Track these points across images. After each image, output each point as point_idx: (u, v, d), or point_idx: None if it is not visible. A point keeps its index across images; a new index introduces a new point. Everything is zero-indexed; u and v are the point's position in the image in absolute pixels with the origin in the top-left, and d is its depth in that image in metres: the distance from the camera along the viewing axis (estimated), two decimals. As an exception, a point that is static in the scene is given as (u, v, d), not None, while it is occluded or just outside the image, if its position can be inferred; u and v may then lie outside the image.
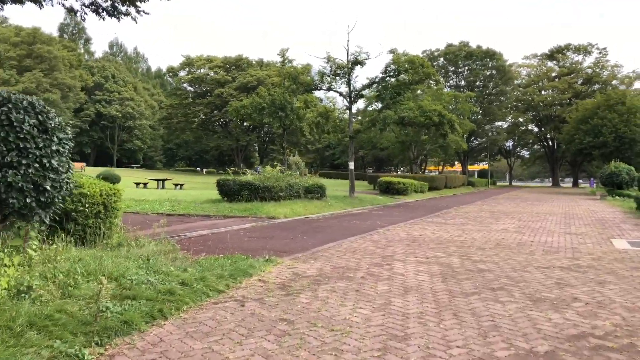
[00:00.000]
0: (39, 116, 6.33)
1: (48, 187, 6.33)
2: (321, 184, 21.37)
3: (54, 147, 6.47)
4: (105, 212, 8.79)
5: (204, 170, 78.02)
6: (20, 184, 5.92)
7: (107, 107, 66.93)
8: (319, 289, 6.44)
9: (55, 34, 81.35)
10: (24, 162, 5.98)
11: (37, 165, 6.14)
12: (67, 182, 6.91)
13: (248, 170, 20.47)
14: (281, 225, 14.22)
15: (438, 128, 26.35)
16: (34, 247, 7.37)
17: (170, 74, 59.39)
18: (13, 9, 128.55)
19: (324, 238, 11.74)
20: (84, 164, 46.89)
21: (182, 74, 58.75)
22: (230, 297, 6.04)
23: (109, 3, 10.22)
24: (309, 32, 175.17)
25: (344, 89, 26.59)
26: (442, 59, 65.89)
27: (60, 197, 6.85)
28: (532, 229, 14.33)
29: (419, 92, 33.06)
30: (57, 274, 5.82)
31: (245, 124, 63.11)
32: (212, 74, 57.54)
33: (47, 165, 6.31)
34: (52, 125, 6.49)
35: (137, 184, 29.34)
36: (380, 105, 28.90)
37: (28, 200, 6.10)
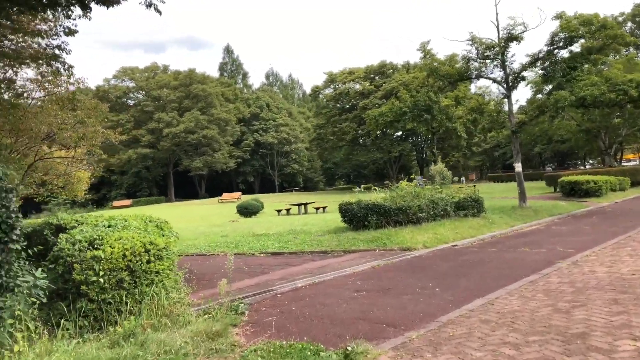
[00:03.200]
0: None
1: None
2: (477, 197, 16.75)
3: None
4: (132, 279, 6.11)
5: (361, 187, 76.33)
6: None
7: (264, 135, 69.36)
8: None
9: (215, 73, 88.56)
10: None
11: None
12: None
13: (377, 189, 16.86)
14: (413, 264, 10.33)
15: (638, 105, 19.57)
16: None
17: (316, 94, 58.99)
18: (172, 56, 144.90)
19: (468, 289, 7.62)
20: (239, 193, 48.19)
21: (327, 91, 57.83)
22: None
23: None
24: (451, 21, 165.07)
25: (497, 73, 21.54)
26: (630, 24, 53.96)
27: None
28: None
29: (602, 64, 25.92)
30: None
31: (398, 133, 59.60)
32: (356, 86, 55.43)
33: None
34: None
35: (279, 211, 27.77)
36: (549, 88, 22.98)
37: None
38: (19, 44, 11.70)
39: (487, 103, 23.03)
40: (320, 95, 59.76)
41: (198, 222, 24.54)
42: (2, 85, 11.57)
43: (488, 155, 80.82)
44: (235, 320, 6.51)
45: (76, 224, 8.71)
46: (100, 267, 5.89)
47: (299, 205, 27.38)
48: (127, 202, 54.59)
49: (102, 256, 5.95)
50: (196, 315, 6.51)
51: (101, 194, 66.20)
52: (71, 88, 16.78)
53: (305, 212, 27.30)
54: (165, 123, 56.17)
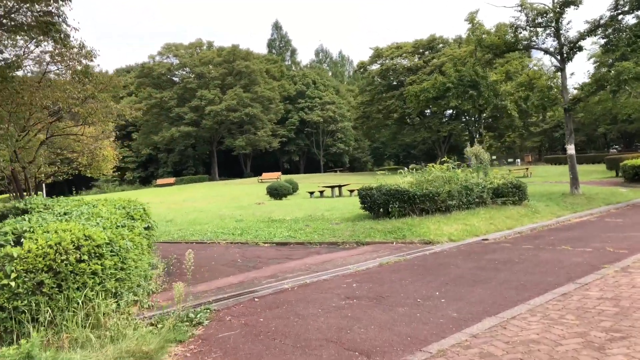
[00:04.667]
0: None
1: None
2: (519, 183, 14.86)
3: None
4: (56, 282, 5.10)
5: (410, 167, 73.85)
6: None
7: (309, 114, 68.03)
8: None
9: (263, 50, 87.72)
10: None
11: None
12: None
13: (405, 169, 15.27)
14: (428, 262, 8.87)
15: None
16: None
17: (361, 70, 56.80)
18: (219, 33, 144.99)
19: (480, 301, 6.16)
20: (279, 173, 47.36)
21: (374, 67, 55.55)
22: None
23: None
24: None
25: (550, 43, 19.21)
26: None
27: None
28: None
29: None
30: None
31: (449, 111, 56.60)
32: (403, 61, 52.82)
33: None
34: None
35: (311, 193, 26.58)
36: (612, 60, 20.35)
37: None
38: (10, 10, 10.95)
39: (539, 77, 20.63)
40: (365, 72, 57.53)
41: (226, 203, 23.81)
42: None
43: (547, 135, 75.81)
44: (183, 335, 5.40)
45: (42, 209, 7.89)
46: (13, 267, 4.90)
47: (332, 187, 26.07)
48: (171, 180, 55.10)
49: (15, 254, 4.95)
50: (136, 327, 5.43)
51: (149, 171, 67.55)
52: (90, 64, 16.21)
53: (340, 195, 26.01)
54: (208, 100, 55.86)
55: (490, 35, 19.75)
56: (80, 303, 5.21)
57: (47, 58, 13.93)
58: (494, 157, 75.55)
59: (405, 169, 17.34)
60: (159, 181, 55.24)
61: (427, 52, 54.09)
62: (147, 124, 59.64)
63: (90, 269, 5.37)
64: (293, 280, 7.86)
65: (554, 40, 18.90)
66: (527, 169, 36.18)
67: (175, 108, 57.42)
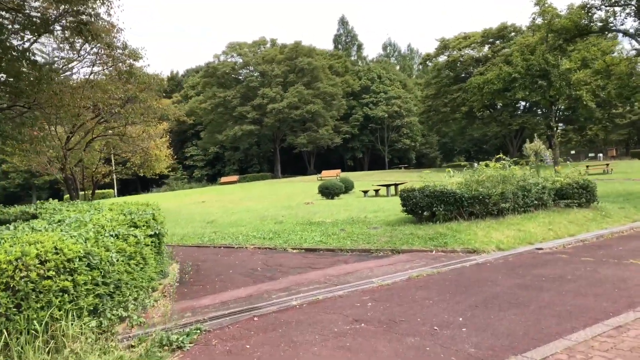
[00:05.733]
0: None
1: None
2: (586, 182, 13.16)
3: None
4: (14, 301, 4.73)
5: (479, 163, 70.39)
6: None
7: (374, 109, 66.58)
8: None
9: (329, 46, 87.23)
10: None
11: None
12: None
13: (452, 170, 13.97)
14: (463, 277, 7.78)
15: None
16: None
17: (427, 62, 54.55)
18: (284, 29, 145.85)
19: (509, 333, 5.12)
20: (339, 170, 46.56)
21: (441, 60, 53.20)
22: None
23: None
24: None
25: (630, 24, 17.03)
26: None
27: None
28: None
29: None
30: None
31: (522, 104, 53.21)
32: (471, 52, 50.10)
33: None
34: None
35: (365, 192, 25.60)
36: None
37: None
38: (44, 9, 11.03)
39: (618, 63, 18.38)
40: (430, 64, 55.33)
41: (275, 202, 23.46)
42: (17, 54, 11.02)
43: (636, 128, 69.37)
44: (156, 363, 4.82)
45: (51, 213, 7.67)
46: (-40, 286, 4.52)
47: (388, 186, 24.97)
48: (234, 178, 56.03)
49: None
50: (106, 351, 4.91)
51: (216, 169, 69.33)
52: (137, 65, 16.33)
53: (396, 194, 24.84)
54: (270, 98, 56.14)
55: (561, 18, 17.83)
56: (43, 324, 4.76)
57: (88, 59, 14.16)
58: (572, 152, 70.37)
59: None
60: (223, 179, 56.39)
61: (497, 42, 51.04)
62: (213, 123, 61.14)
63: (57, 286, 4.91)
64: (305, 295, 7.10)
65: (634, 21, 16.76)
66: (607, 164, 32.99)
67: (238, 107, 58.23)
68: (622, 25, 17.20)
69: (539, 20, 21.84)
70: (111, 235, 6.35)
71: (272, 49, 61.14)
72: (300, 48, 58.61)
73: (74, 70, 16.75)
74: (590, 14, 16.83)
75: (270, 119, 56.39)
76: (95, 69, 14.63)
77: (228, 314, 6.42)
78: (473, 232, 10.56)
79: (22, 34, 11.54)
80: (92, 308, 5.33)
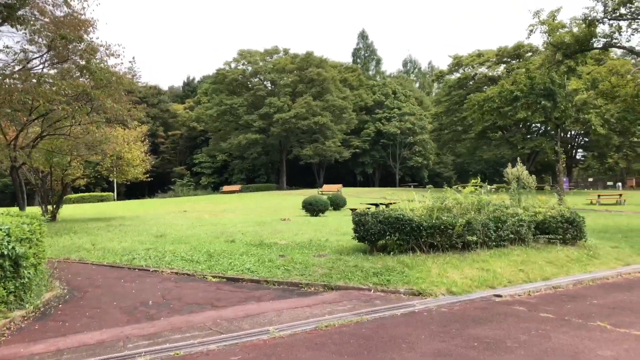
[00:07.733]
0: None
1: None
2: (573, 217, 11.45)
3: None
4: None
5: (493, 186, 67.96)
6: None
7: (386, 125, 64.89)
8: None
9: (349, 59, 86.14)
10: None
11: None
12: None
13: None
14: (385, 329, 6.23)
15: None
16: None
17: (439, 79, 52.81)
18: (301, 41, 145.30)
19: None
20: (340, 185, 45.03)
21: (454, 77, 51.41)
22: None
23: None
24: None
25: (637, 40, 15.28)
26: None
27: None
28: None
29: None
30: None
31: (535, 124, 51.02)
32: (485, 70, 48.25)
33: None
34: None
35: (353, 210, 24.01)
36: None
37: None
38: None
39: (625, 85, 16.62)
40: (442, 82, 53.58)
41: (254, 216, 22.08)
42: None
43: (661, 157, 66.09)
44: None
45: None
46: None
47: (376, 205, 23.39)
48: (236, 187, 54.85)
49: None
50: None
51: (223, 177, 68.37)
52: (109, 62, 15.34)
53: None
54: (277, 108, 55.01)
55: (559, 32, 16.22)
56: None
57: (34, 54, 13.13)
58: (590, 179, 67.37)
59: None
60: (225, 188, 55.26)
61: (514, 62, 49.10)
62: (218, 130, 60.32)
63: None
64: (168, 347, 5.63)
65: (644, 37, 15.00)
66: (620, 195, 30.82)
67: (244, 115, 57.23)
68: (628, 41, 15.50)
69: (535, 31, 20.25)
70: None
71: (283, 58, 60.12)
72: (311, 58, 57.48)
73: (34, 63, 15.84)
74: (590, 28, 15.16)
75: (276, 129, 55.23)
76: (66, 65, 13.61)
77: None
78: (426, 269, 8.99)
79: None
80: None
